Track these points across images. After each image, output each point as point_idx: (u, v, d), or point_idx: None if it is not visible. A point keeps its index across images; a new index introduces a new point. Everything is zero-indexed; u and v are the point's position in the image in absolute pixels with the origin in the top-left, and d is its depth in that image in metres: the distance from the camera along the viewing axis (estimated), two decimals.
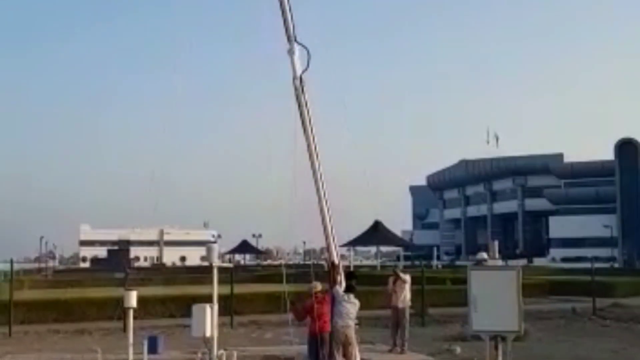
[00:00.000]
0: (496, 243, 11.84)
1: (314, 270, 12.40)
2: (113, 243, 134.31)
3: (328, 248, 10.66)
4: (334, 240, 10.68)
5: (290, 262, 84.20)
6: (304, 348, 12.21)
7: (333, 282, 10.95)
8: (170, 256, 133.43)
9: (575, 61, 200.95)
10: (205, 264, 11.64)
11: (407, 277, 16.83)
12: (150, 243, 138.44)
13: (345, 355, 11.15)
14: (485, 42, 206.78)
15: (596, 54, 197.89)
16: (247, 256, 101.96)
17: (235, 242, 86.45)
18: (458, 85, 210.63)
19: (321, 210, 10.56)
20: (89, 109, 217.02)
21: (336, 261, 10.84)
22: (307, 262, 51.37)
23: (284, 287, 10.24)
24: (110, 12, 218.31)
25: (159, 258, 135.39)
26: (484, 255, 12.98)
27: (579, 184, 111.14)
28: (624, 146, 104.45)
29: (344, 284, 11.11)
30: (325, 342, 11.30)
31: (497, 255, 11.58)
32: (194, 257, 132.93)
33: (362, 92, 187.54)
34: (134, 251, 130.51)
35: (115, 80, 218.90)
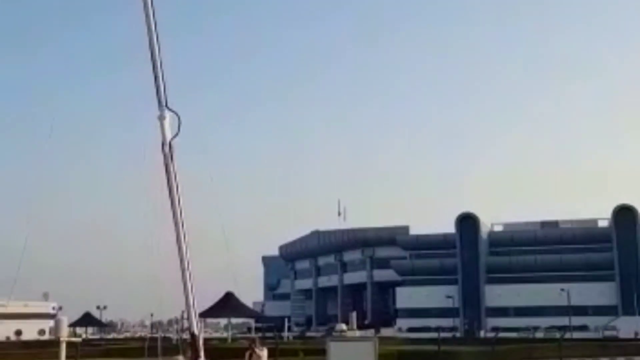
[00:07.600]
0: (354, 314, 12.09)
1: (162, 343, 12.00)
2: None
3: (189, 318, 10.34)
4: (195, 311, 10.39)
5: (137, 336, 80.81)
6: None
7: (195, 354, 10.61)
8: (4, 330, 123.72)
9: (414, 141, 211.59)
10: (44, 337, 10.91)
11: (264, 352, 16.65)
12: None
13: None
14: (342, 118, 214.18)
15: (439, 131, 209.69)
16: (90, 329, 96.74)
17: (77, 314, 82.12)
18: (312, 158, 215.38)
19: (183, 278, 10.28)
20: None
21: (196, 332, 10.53)
22: (155, 335, 49.48)
23: None
24: None
25: None
26: (343, 326, 13.16)
27: (423, 255, 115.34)
28: (464, 220, 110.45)
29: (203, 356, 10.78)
30: None
31: (354, 326, 11.76)
32: (32, 330, 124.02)
33: (219, 160, 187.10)
34: None
35: None
